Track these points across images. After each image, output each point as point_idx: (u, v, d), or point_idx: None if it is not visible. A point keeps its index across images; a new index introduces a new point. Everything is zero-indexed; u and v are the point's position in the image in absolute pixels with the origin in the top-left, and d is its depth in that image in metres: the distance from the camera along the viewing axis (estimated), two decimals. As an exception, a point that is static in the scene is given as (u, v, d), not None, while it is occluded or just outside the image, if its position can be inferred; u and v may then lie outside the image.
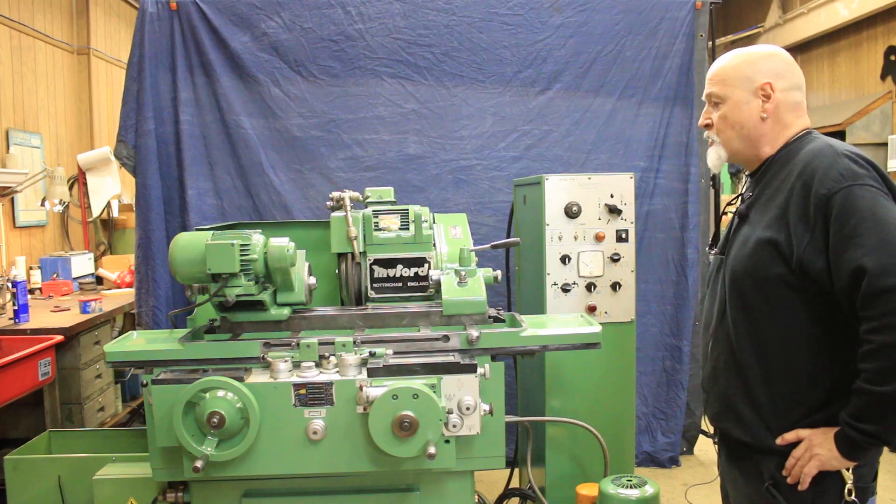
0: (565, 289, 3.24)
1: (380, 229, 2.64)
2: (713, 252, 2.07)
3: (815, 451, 1.75)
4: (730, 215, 2.17)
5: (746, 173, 2.06)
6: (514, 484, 3.67)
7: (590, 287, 3.25)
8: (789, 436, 1.80)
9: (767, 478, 1.83)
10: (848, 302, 1.68)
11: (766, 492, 1.83)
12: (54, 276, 5.17)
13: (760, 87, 1.88)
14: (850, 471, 1.76)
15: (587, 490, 2.89)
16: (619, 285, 3.29)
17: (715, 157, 1.99)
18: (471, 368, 2.13)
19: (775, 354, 1.82)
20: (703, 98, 2.01)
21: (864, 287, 1.61)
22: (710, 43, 4.45)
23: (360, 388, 2.05)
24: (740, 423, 1.89)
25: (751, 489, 1.90)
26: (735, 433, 1.92)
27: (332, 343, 2.25)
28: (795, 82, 1.91)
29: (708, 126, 1.99)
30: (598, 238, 3.24)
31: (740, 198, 2.02)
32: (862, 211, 1.65)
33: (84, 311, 4.23)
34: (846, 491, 1.76)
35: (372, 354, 2.20)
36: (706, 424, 4.64)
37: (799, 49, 8.98)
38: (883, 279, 1.59)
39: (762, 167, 1.93)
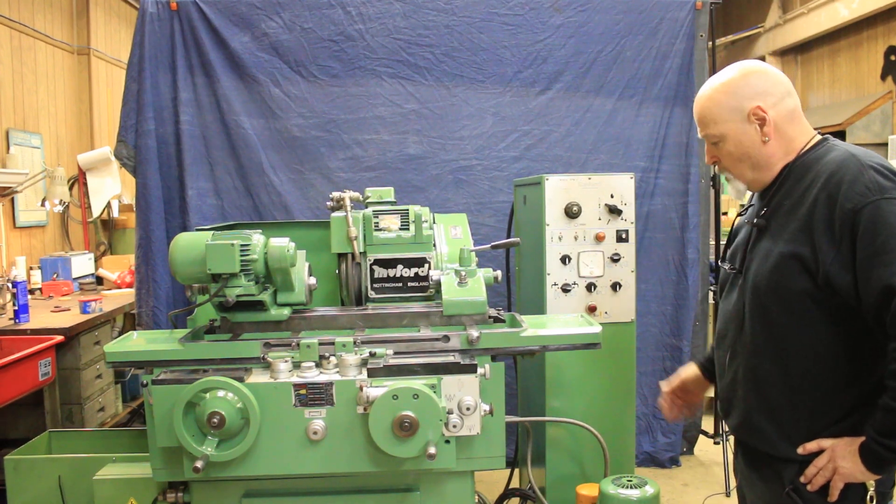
0: (565, 289, 3.24)
1: (380, 229, 2.64)
2: (726, 266, 2.03)
3: (838, 462, 1.74)
4: (731, 216, 2.15)
5: None
6: (515, 484, 3.67)
7: (590, 287, 3.25)
8: (811, 445, 1.79)
9: (787, 483, 1.82)
10: (875, 319, 1.66)
11: (786, 496, 1.82)
12: (54, 276, 5.17)
13: (752, 113, 1.82)
14: None
15: (587, 490, 2.89)
16: (620, 285, 3.29)
17: (735, 192, 1.98)
18: (471, 369, 2.13)
19: (798, 368, 1.80)
20: (700, 137, 1.96)
21: (894, 307, 1.59)
22: (711, 43, 4.46)
23: (361, 388, 2.05)
24: (760, 436, 1.88)
25: (769, 493, 1.89)
26: (755, 444, 1.91)
27: (333, 343, 2.25)
28: (782, 91, 1.85)
29: (716, 163, 1.95)
30: (599, 238, 3.24)
31: (754, 208, 1.97)
32: (890, 227, 1.62)
33: (84, 312, 4.23)
34: (868, 497, 1.75)
35: (372, 355, 2.20)
36: (706, 424, 4.65)
37: (799, 49, 8.99)
38: None
39: (777, 178, 1.87)
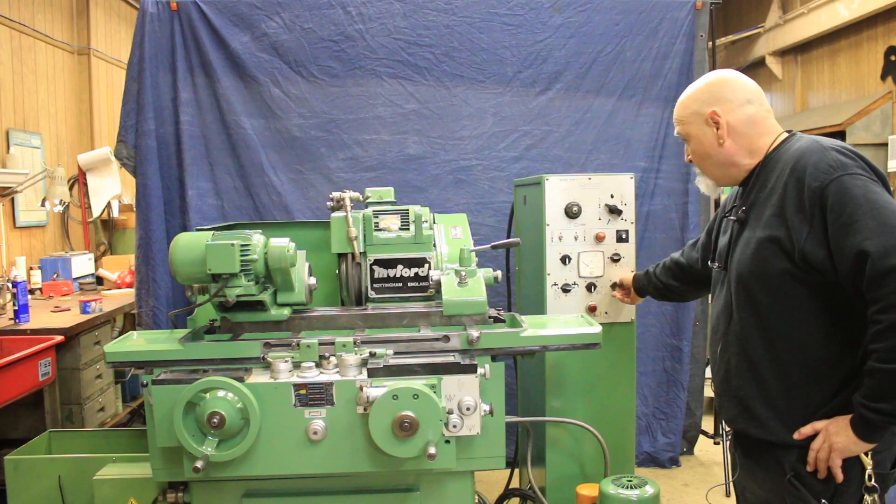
0: (565, 289, 3.23)
1: (380, 229, 2.64)
2: (716, 265, 2.13)
3: (832, 439, 1.78)
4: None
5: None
6: (515, 484, 3.67)
7: (590, 287, 3.25)
8: (806, 429, 1.84)
9: (789, 470, 1.87)
10: (853, 287, 1.73)
11: (788, 484, 1.86)
12: (54, 276, 5.17)
13: (709, 117, 2.01)
14: (869, 456, 1.79)
15: (587, 490, 2.89)
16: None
17: (704, 187, 2.15)
18: (471, 369, 2.13)
19: (786, 348, 1.87)
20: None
21: (869, 270, 1.66)
22: (710, 43, 4.46)
23: (361, 388, 2.05)
24: (757, 423, 1.93)
25: (771, 482, 1.93)
26: (753, 433, 1.95)
27: (333, 343, 2.25)
28: (741, 98, 2.00)
29: (691, 161, 2.14)
30: (599, 238, 3.23)
31: (734, 208, 2.08)
32: (856, 198, 1.71)
33: (84, 312, 4.23)
34: (866, 476, 1.79)
35: (372, 355, 2.20)
36: (706, 424, 4.65)
37: (799, 49, 8.99)
38: (886, 260, 1.64)
39: (750, 175, 2.01)
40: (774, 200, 1.86)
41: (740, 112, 2.00)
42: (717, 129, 2.00)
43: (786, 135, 1.99)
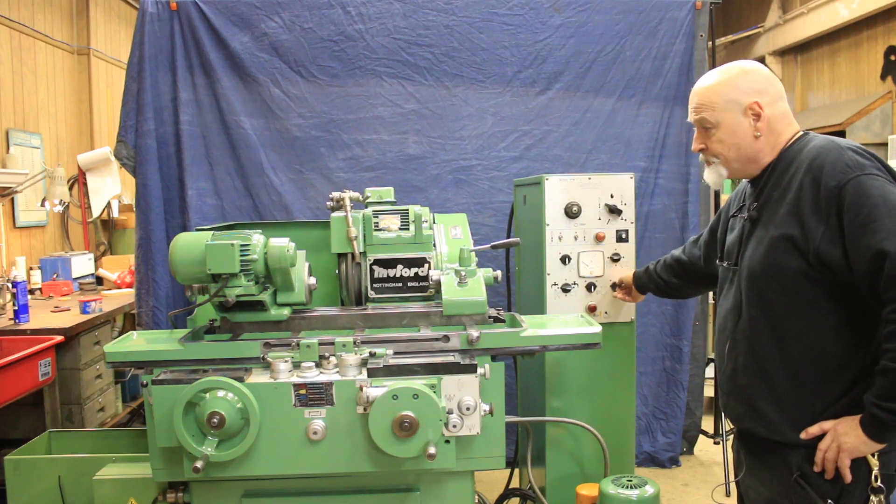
0: (565, 289, 3.23)
1: (380, 229, 2.64)
2: (725, 263, 2.11)
3: (841, 439, 1.78)
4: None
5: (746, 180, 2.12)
6: (514, 484, 3.66)
7: (590, 287, 3.25)
8: (813, 429, 1.84)
9: (795, 469, 1.86)
10: (869, 287, 1.72)
11: (794, 483, 1.86)
12: (54, 276, 5.17)
13: (749, 107, 1.94)
14: (876, 457, 1.79)
15: (587, 490, 2.89)
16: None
17: (716, 176, 2.05)
18: (471, 368, 2.13)
19: (797, 347, 1.86)
20: (690, 121, 2.06)
21: (887, 269, 1.66)
22: (710, 43, 4.46)
23: (361, 388, 2.05)
24: (764, 422, 1.92)
25: (777, 481, 1.92)
26: (759, 432, 1.94)
27: (333, 343, 2.25)
28: (777, 93, 1.97)
29: (702, 150, 2.05)
30: (599, 238, 3.23)
31: (745, 206, 2.05)
32: (874, 198, 1.71)
33: (84, 312, 4.23)
34: (873, 476, 1.79)
35: (372, 355, 2.20)
36: (706, 424, 4.65)
37: (799, 49, 8.99)
38: None
39: (764, 173, 1.98)
40: (789, 199, 1.85)
41: (776, 107, 1.96)
42: (757, 120, 1.94)
43: (801, 133, 1.97)
